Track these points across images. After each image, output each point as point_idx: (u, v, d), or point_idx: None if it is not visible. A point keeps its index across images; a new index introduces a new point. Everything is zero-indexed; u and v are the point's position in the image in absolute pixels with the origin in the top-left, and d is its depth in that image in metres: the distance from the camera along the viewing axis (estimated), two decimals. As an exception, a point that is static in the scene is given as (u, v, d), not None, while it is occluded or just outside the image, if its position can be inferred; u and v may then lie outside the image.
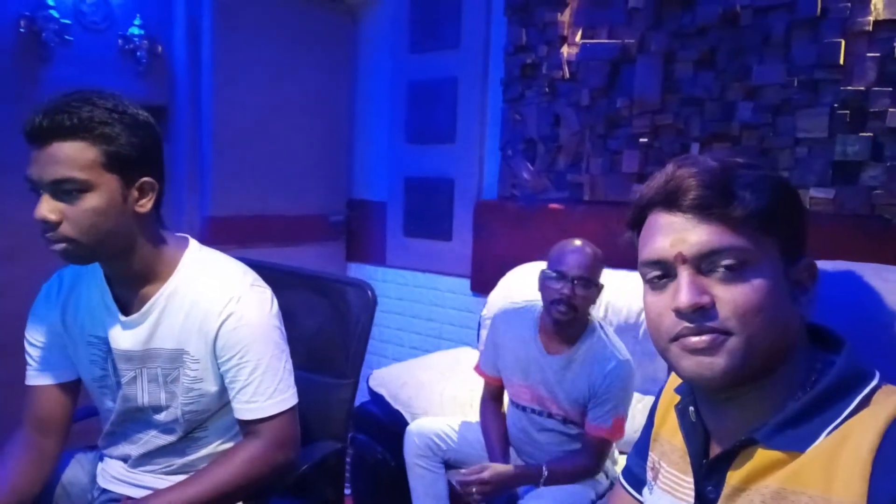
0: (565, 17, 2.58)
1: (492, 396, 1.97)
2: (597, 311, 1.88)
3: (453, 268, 3.01)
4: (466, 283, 2.96)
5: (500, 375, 1.92)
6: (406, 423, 2.02)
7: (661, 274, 0.74)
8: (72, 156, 1.02)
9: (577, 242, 1.74)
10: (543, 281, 1.75)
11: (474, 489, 1.65)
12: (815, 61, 2.00)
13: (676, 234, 0.72)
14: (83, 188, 1.03)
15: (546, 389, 1.79)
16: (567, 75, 2.58)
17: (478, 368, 2.01)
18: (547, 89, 2.64)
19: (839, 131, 1.97)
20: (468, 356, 2.31)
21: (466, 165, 2.95)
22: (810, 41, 2.01)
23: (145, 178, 1.10)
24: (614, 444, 1.82)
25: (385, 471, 2.10)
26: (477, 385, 2.03)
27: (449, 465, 1.93)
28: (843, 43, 1.94)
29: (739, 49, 2.16)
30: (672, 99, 2.32)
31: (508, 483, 1.70)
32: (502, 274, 2.52)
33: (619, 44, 2.42)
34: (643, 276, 0.77)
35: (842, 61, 1.95)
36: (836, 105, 1.97)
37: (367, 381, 2.32)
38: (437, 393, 2.23)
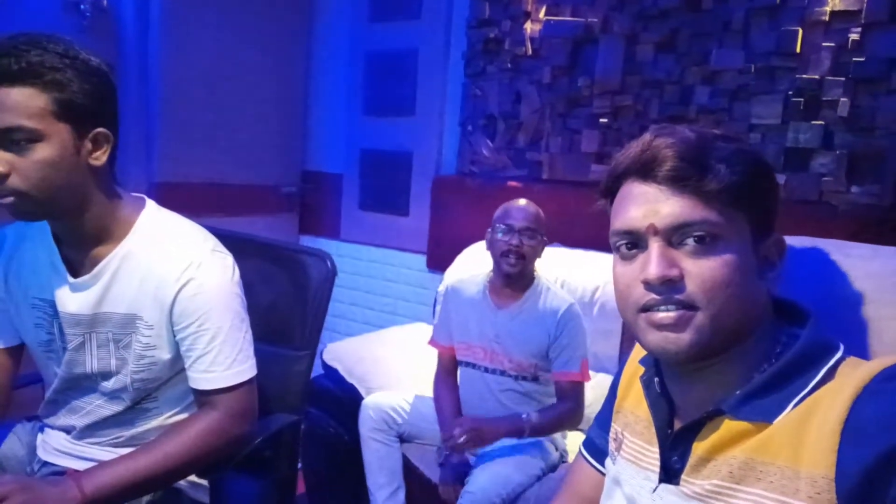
0: (530, -8, 2.56)
1: (445, 370, 1.98)
2: (546, 273, 1.94)
3: (409, 243, 2.99)
4: (422, 259, 2.94)
5: (453, 344, 1.95)
6: (361, 398, 2.00)
7: (632, 244, 0.74)
8: (20, 102, 0.95)
9: (522, 201, 1.86)
10: (492, 237, 1.84)
11: (462, 439, 1.66)
12: (772, 48, 2.03)
13: (649, 205, 0.72)
14: (32, 138, 0.97)
15: (499, 345, 1.85)
16: (530, 52, 2.56)
17: (432, 342, 2.03)
18: (509, 65, 2.62)
19: (792, 119, 2.02)
20: (423, 332, 2.29)
21: (425, 140, 2.91)
22: (769, 28, 2.04)
23: (99, 129, 1.04)
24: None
25: (338, 446, 2.07)
26: (432, 360, 2.02)
27: (403, 439, 1.93)
28: (800, 31, 1.98)
29: (700, 34, 2.18)
30: (632, 80, 2.33)
31: (493, 430, 1.71)
32: (459, 251, 2.51)
33: (582, 22, 2.42)
34: (613, 245, 0.77)
35: (798, 50, 1.99)
36: (790, 93, 2.01)
37: (321, 355, 2.28)
38: (393, 368, 2.21)
